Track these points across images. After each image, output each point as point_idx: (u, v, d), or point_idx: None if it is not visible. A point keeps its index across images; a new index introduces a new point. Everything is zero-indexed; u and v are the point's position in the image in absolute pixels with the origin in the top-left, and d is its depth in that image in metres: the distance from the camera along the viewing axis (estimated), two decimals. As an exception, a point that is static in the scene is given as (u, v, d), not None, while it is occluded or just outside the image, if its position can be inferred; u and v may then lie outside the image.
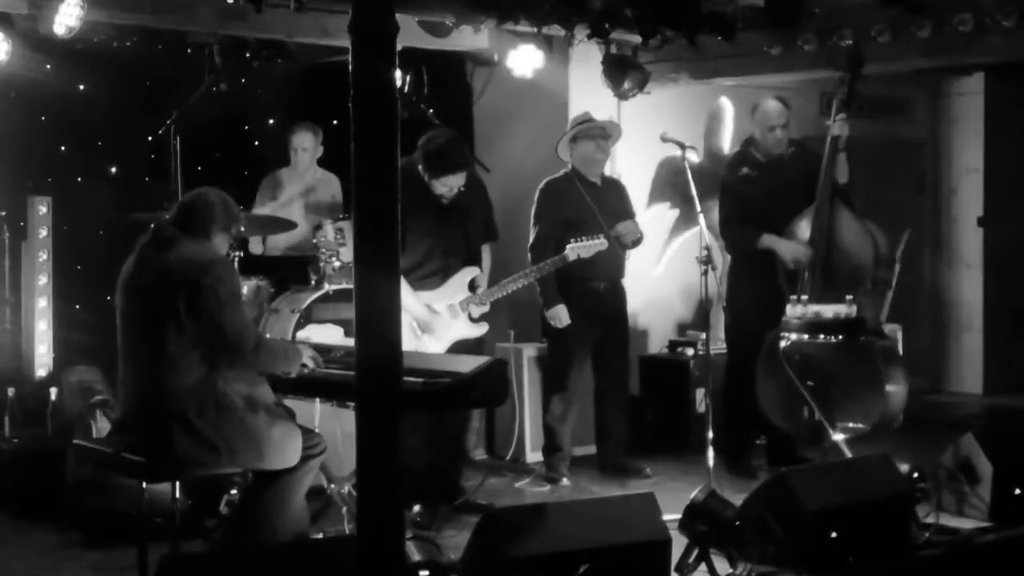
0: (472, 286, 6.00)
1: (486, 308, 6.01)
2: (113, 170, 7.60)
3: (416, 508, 5.68)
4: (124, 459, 4.38)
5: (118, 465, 4.49)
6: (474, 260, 6.05)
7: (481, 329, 6.01)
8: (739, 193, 6.67)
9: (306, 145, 7.47)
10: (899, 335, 8.13)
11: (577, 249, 6.18)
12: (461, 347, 5.89)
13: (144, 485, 4.45)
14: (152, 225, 4.59)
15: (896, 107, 9.74)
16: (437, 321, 5.86)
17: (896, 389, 6.20)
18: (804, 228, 6.41)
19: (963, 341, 9.87)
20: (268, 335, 6.10)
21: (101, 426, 5.75)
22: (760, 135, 6.73)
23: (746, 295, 6.46)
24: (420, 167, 5.79)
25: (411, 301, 5.72)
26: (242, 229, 6.35)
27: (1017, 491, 5.49)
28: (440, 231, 5.88)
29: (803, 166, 6.65)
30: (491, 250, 6.21)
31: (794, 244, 6.42)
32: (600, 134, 6.71)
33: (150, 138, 6.81)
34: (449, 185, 5.80)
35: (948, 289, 9.98)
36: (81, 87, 7.37)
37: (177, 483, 4.47)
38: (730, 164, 6.93)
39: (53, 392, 6.25)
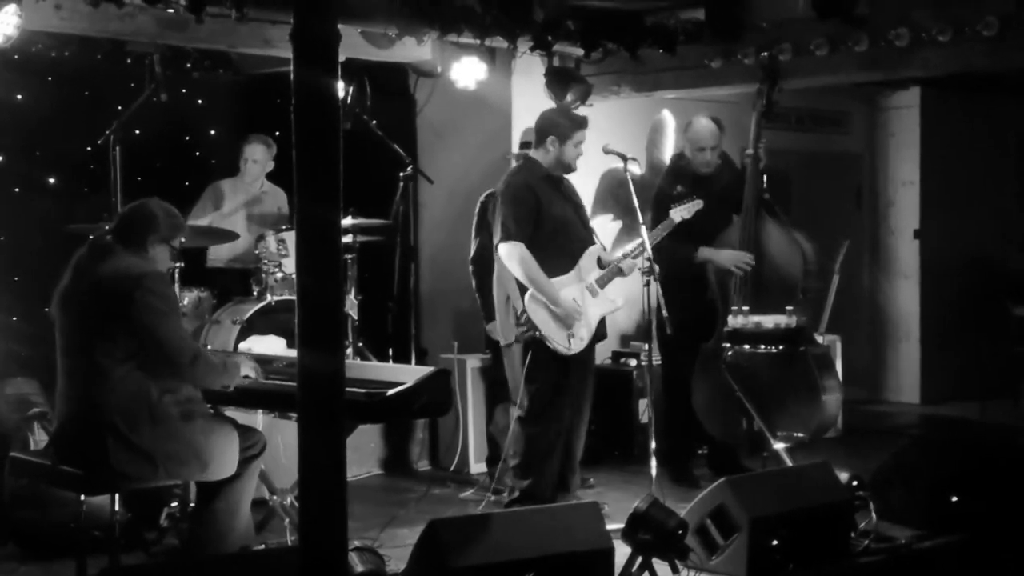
0: (600, 263, 6.00)
1: (637, 262, 5.98)
2: (52, 180, 7.51)
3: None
4: (61, 471, 4.34)
5: (56, 478, 4.44)
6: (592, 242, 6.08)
7: (617, 303, 6.03)
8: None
9: (257, 157, 7.43)
10: (838, 345, 8.23)
11: (680, 211, 6.25)
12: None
13: (83, 498, 4.40)
14: (91, 235, 4.54)
15: (834, 120, 9.87)
16: (583, 310, 5.83)
17: (831, 397, 6.27)
18: (733, 240, 6.48)
19: (900, 351, 10.00)
20: (209, 347, 6.05)
21: (39, 438, 5.66)
22: (690, 154, 6.79)
23: (680, 307, 6.46)
24: (549, 140, 5.88)
25: (559, 297, 5.74)
26: (183, 240, 6.32)
27: (954, 498, 5.56)
28: (565, 223, 5.91)
29: (729, 178, 6.74)
30: None
31: (732, 252, 6.48)
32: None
33: (89, 148, 6.74)
34: (581, 144, 5.92)
35: (886, 300, 10.11)
36: (19, 96, 7.29)
37: (116, 495, 4.42)
38: (664, 179, 6.95)
39: (-10, 404, 6.15)
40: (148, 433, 4.28)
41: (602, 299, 5.96)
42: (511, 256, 5.74)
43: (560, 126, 5.91)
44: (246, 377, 4.58)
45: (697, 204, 6.28)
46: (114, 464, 4.24)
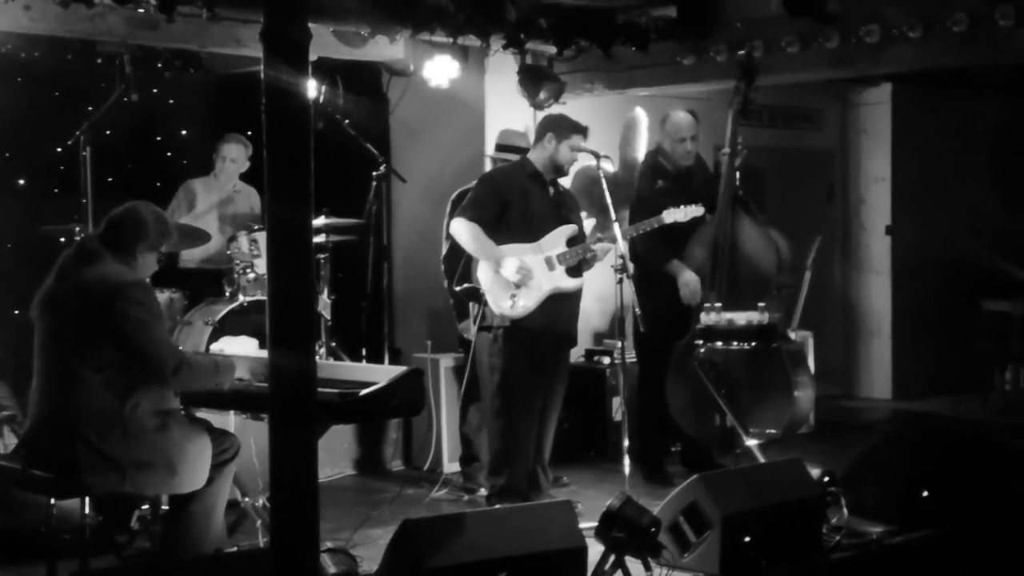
0: (571, 243, 6.02)
1: (608, 247, 5.99)
2: (21, 182, 7.46)
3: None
4: (31, 475, 4.30)
5: (25, 481, 4.40)
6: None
7: (578, 282, 6.03)
8: (655, 206, 6.64)
9: (234, 156, 7.40)
10: (810, 342, 8.27)
11: (675, 214, 6.25)
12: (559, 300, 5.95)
13: (53, 501, 4.37)
14: (79, 238, 4.49)
15: (806, 117, 9.92)
16: (531, 274, 5.85)
17: (804, 393, 6.30)
18: (707, 237, 6.49)
19: (873, 347, 10.05)
20: (180, 348, 6.01)
21: (8, 441, 5.63)
22: (669, 147, 6.79)
23: (653, 305, 6.48)
24: (547, 136, 5.99)
25: (503, 259, 5.80)
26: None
27: (925, 494, 5.59)
28: (532, 218, 5.97)
29: (702, 176, 6.76)
30: None
31: (691, 278, 6.47)
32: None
33: (59, 149, 6.71)
34: (576, 148, 6.01)
35: (858, 296, 10.16)
36: (-12, 97, 7.25)
37: (86, 499, 4.39)
38: (643, 176, 6.96)
39: (-42, 407, 6.10)
40: (118, 443, 4.24)
41: (559, 274, 5.94)
42: (460, 228, 5.87)
43: (560, 126, 6.05)
44: (239, 379, 4.51)
45: (697, 211, 6.27)
46: (83, 471, 4.20)
